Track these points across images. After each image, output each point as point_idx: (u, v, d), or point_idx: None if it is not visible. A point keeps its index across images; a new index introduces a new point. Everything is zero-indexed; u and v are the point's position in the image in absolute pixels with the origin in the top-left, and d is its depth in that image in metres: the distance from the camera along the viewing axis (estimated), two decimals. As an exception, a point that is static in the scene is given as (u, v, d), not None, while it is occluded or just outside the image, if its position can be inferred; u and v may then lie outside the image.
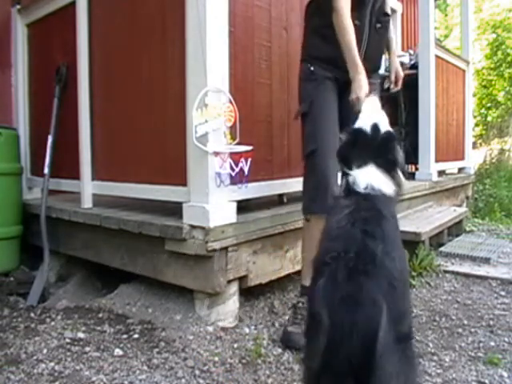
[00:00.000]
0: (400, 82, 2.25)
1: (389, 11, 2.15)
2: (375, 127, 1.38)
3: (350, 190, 1.30)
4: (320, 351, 0.96)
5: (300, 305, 2.00)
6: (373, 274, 1.00)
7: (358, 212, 1.19)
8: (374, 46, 2.02)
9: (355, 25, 1.89)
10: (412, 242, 2.98)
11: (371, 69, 2.03)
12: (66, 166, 2.90)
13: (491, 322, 2.22)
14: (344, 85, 1.95)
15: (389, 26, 2.13)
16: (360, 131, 1.39)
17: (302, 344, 1.64)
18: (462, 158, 5.21)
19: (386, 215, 1.25)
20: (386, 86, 2.26)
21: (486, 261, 3.21)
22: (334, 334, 0.95)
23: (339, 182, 1.47)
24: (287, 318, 2.11)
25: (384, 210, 1.25)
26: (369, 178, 1.30)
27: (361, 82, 1.79)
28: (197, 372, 1.75)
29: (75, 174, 2.76)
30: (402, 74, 2.24)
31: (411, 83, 4.31)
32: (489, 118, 12.08)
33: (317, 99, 1.97)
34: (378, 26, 2.01)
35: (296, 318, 1.98)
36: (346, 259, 1.03)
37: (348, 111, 1.85)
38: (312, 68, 2.00)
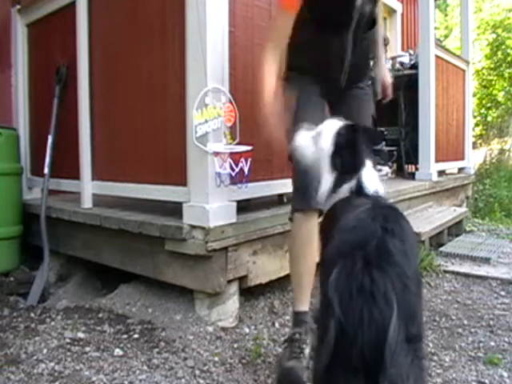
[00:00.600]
0: (389, 91, 2.11)
1: (377, 15, 1.98)
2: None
3: (360, 191, 1.31)
4: (331, 344, 0.95)
5: (297, 336, 1.74)
6: (387, 271, 0.99)
7: (378, 208, 1.18)
8: (358, 60, 1.89)
9: (333, 44, 1.81)
10: (412, 242, 2.97)
11: (358, 77, 1.95)
12: (66, 166, 2.90)
13: (491, 322, 2.22)
14: (335, 86, 1.91)
15: (374, 36, 1.98)
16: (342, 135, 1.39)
17: (306, 380, 1.59)
18: (462, 158, 5.21)
19: (402, 214, 1.24)
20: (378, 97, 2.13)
21: (486, 261, 3.21)
22: (347, 327, 0.94)
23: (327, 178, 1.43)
24: (282, 353, 1.81)
25: (399, 209, 1.25)
26: (372, 180, 1.32)
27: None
28: (197, 372, 1.75)
29: (75, 174, 2.76)
30: (389, 81, 2.10)
31: (411, 83, 4.32)
32: (489, 118, 12.09)
33: (298, 98, 1.88)
34: (365, 42, 1.88)
35: (294, 352, 1.69)
36: (364, 250, 1.02)
37: (348, 111, 1.83)
38: (287, 76, 1.94)
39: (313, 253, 1.79)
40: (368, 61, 2.04)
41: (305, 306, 1.82)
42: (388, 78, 2.11)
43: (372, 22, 1.91)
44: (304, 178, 1.78)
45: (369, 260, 1.00)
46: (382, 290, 0.95)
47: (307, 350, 1.71)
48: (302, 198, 1.80)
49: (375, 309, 0.93)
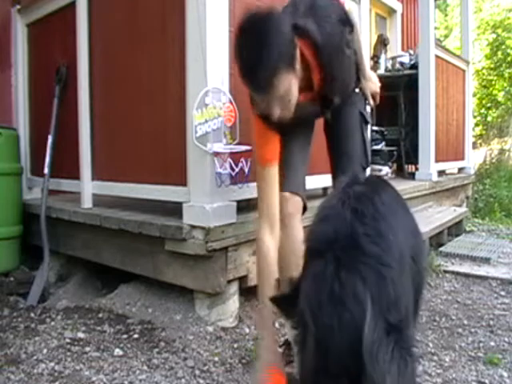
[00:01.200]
0: (377, 98, 2.00)
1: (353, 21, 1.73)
2: None
3: None
4: (310, 353, 0.94)
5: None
6: (358, 267, 0.94)
7: (350, 188, 1.11)
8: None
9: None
10: (412, 242, 2.97)
11: (342, 98, 1.83)
12: (66, 165, 2.90)
13: (491, 322, 2.22)
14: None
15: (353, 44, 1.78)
16: None
17: None
18: (462, 158, 5.21)
19: (385, 187, 1.17)
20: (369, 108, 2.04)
21: (486, 261, 3.22)
22: (320, 337, 0.92)
23: None
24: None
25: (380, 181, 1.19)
26: None
27: None
28: (197, 372, 1.75)
29: (75, 174, 2.76)
30: (377, 87, 1.98)
31: (411, 83, 4.32)
32: (489, 118, 12.09)
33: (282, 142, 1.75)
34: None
35: (290, 356, 1.74)
36: (333, 250, 0.97)
37: (340, 132, 1.84)
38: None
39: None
40: (350, 85, 1.86)
41: None
42: (376, 86, 1.98)
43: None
44: None
45: (338, 260, 0.95)
46: (351, 292, 0.91)
47: None
48: None
49: (346, 313, 0.90)
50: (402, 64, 4.75)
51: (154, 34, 2.31)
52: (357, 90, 1.93)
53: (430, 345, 1.99)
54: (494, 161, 7.18)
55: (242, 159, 2.07)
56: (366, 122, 1.89)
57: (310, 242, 1.13)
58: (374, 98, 2.02)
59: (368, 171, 1.92)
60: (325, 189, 2.88)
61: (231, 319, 2.14)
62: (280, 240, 1.68)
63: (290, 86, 1.43)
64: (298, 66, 1.45)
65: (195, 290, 2.14)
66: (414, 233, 1.16)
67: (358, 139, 1.83)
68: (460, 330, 2.15)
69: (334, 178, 1.87)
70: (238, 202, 2.17)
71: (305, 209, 1.80)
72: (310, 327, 0.93)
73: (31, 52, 3.32)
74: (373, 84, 1.98)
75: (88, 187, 2.72)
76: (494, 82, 13.03)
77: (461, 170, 5.26)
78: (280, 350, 1.87)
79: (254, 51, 1.35)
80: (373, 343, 0.86)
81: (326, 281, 0.94)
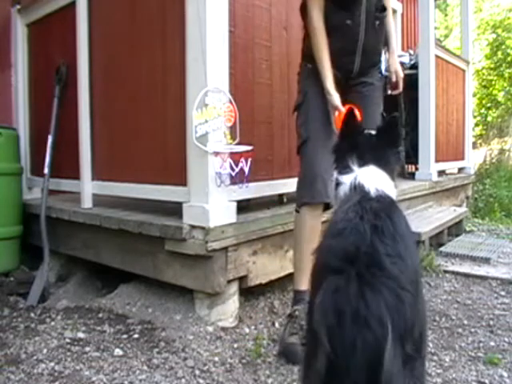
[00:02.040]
0: (401, 84, 2.16)
1: (387, 4, 2.04)
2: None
3: (357, 189, 1.22)
4: (321, 374, 0.89)
5: (296, 313, 1.89)
6: (380, 288, 0.90)
7: (367, 202, 1.09)
8: (371, 42, 1.96)
9: (347, 24, 1.88)
10: (412, 242, 2.96)
11: (368, 65, 2.01)
12: (66, 165, 2.90)
13: (491, 322, 2.22)
14: (346, 82, 1.97)
15: (386, 21, 2.03)
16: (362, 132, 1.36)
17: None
18: (462, 158, 5.22)
19: (398, 206, 1.15)
20: (388, 91, 2.18)
21: (486, 261, 3.21)
22: (336, 357, 0.87)
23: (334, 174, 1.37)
24: (283, 328, 1.97)
25: (391, 200, 1.18)
26: (374, 179, 1.22)
27: (332, 103, 1.83)
28: (197, 372, 1.75)
29: (75, 174, 2.76)
30: (401, 74, 2.15)
31: (411, 83, 4.31)
32: (489, 118, 12.08)
33: (310, 91, 1.95)
34: (377, 22, 1.94)
35: (294, 328, 1.86)
36: (355, 266, 0.92)
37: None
38: (310, 65, 1.98)
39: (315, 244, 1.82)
40: (380, 46, 2.07)
41: (304, 285, 1.90)
42: (400, 70, 2.14)
43: (382, 7, 1.97)
44: (311, 171, 1.82)
45: (361, 279, 0.91)
46: (376, 314, 0.86)
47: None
48: (309, 191, 1.84)
49: (368, 336, 0.85)
50: (401, 64, 4.73)
51: (154, 33, 2.31)
52: (379, 75, 2.06)
53: (430, 345, 1.99)
54: (494, 161, 7.17)
55: (242, 159, 2.07)
56: None
57: (324, 255, 1.07)
58: (397, 82, 2.14)
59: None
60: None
61: (231, 319, 2.14)
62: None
63: None
64: None
65: (195, 289, 2.14)
66: (416, 258, 1.14)
67: None
68: (460, 329, 2.15)
69: None
70: (238, 201, 2.17)
71: (327, 207, 1.89)
72: (324, 346, 0.88)
73: (31, 52, 3.32)
74: (397, 63, 2.13)
75: (88, 187, 2.72)
76: (494, 82, 13.02)
77: (461, 169, 5.26)
78: (284, 322, 1.97)
79: None
80: (392, 375, 0.83)
81: (349, 299, 0.89)
